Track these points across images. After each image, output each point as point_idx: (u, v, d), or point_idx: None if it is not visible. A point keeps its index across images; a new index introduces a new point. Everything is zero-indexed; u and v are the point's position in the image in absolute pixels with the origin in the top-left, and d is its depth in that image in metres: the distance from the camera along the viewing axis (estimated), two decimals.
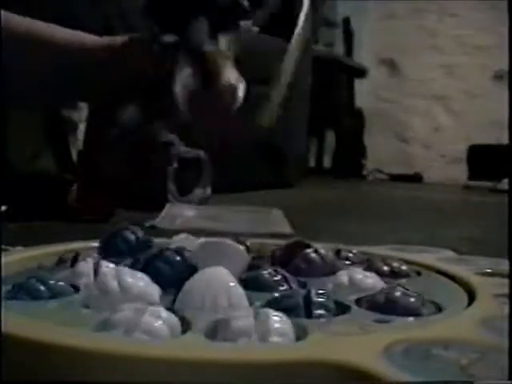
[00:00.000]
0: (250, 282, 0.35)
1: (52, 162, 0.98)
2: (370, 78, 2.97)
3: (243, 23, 0.71)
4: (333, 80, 2.65)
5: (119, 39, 0.70)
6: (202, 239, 0.42)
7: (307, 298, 0.29)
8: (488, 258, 0.47)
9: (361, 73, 2.90)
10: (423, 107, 3.14)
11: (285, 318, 0.27)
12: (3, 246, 0.46)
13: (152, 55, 0.68)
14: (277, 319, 0.26)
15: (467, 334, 0.26)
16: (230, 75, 0.67)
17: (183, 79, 0.66)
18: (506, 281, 0.36)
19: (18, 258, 0.43)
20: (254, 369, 0.22)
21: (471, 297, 0.35)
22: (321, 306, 0.30)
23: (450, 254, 0.52)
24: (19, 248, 0.47)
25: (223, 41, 0.70)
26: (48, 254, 0.45)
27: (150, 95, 0.70)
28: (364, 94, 3.02)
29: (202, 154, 1.17)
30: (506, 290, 0.34)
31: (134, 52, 0.69)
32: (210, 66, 0.67)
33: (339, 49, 3.00)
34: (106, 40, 0.70)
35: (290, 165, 1.93)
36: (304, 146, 2.21)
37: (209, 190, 1.20)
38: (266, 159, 1.81)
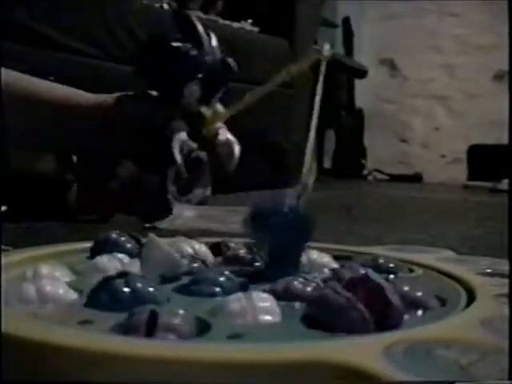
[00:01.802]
0: None
1: (52, 162, 0.98)
2: (370, 78, 2.97)
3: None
4: (333, 80, 2.65)
5: (112, 97, 0.72)
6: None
7: None
8: (488, 258, 0.47)
9: (361, 73, 2.90)
10: (423, 107, 3.14)
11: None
12: (3, 246, 0.46)
13: (144, 112, 0.71)
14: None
15: (467, 334, 0.26)
16: (226, 137, 0.71)
17: (180, 142, 0.70)
18: (506, 281, 0.36)
19: (18, 258, 0.43)
20: (254, 369, 0.22)
21: (471, 297, 0.34)
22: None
23: (450, 253, 0.52)
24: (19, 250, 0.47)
25: (216, 103, 0.74)
26: (48, 254, 0.45)
27: (146, 149, 0.73)
28: (364, 94, 3.02)
29: (202, 154, 1.17)
30: (505, 290, 0.34)
31: (127, 109, 0.71)
32: (205, 128, 0.71)
33: (339, 49, 3.00)
34: (99, 98, 0.72)
35: (290, 165, 1.93)
36: (304, 146, 2.21)
37: (209, 191, 1.20)
38: (266, 159, 1.81)
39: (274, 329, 0.29)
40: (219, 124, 0.74)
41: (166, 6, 1.54)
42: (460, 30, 3.05)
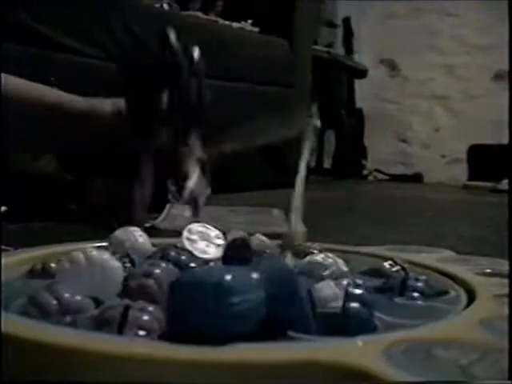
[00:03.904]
0: None
1: (52, 162, 0.98)
2: (370, 78, 2.96)
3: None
4: (333, 80, 2.65)
5: (107, 106, 0.75)
6: None
7: None
8: (488, 258, 0.47)
9: (361, 73, 2.90)
10: (423, 107, 3.14)
11: None
12: (3, 246, 0.46)
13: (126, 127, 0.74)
14: None
15: (467, 334, 0.26)
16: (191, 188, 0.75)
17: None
18: (506, 281, 0.36)
19: (18, 258, 0.43)
20: (253, 369, 0.22)
21: (471, 297, 0.34)
22: None
23: (450, 253, 0.52)
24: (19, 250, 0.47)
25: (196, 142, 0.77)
26: (48, 254, 0.45)
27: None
28: (364, 94, 3.01)
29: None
30: (506, 290, 0.34)
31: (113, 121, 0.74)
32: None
33: (339, 49, 3.00)
34: (93, 105, 0.75)
35: (290, 165, 1.93)
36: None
37: (208, 191, 1.20)
38: (266, 159, 1.81)
39: None
40: (194, 169, 0.78)
41: (166, 6, 1.54)
42: (460, 30, 3.05)
